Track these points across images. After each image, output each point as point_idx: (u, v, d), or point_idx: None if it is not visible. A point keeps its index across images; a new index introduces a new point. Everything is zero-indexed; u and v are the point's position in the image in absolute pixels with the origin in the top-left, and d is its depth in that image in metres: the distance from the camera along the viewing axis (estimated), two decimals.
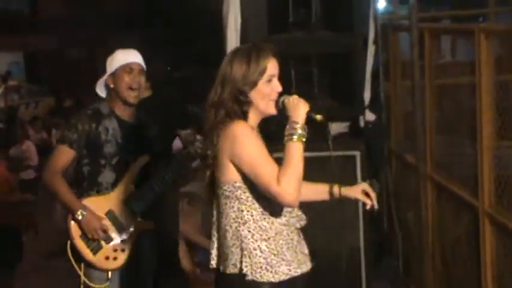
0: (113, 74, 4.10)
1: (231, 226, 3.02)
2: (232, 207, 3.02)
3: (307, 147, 5.16)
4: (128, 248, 4.08)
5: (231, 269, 3.01)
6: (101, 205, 4.03)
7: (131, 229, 4.08)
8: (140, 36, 15.32)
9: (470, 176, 4.62)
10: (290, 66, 5.21)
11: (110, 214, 4.05)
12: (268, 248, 2.99)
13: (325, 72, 5.26)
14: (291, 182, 2.89)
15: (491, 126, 4.38)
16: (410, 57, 5.46)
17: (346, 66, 5.20)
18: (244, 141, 2.96)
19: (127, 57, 4.13)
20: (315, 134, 5.35)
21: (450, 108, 5.27)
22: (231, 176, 3.00)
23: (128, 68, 4.10)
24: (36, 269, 7.51)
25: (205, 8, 7.98)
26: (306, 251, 3.15)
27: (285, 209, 3.06)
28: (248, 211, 3.01)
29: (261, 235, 3.00)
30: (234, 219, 3.02)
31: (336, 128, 5.43)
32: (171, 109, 5.67)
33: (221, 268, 3.08)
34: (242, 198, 3.01)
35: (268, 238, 3.00)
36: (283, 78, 5.25)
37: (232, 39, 5.41)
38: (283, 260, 3.01)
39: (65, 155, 4.04)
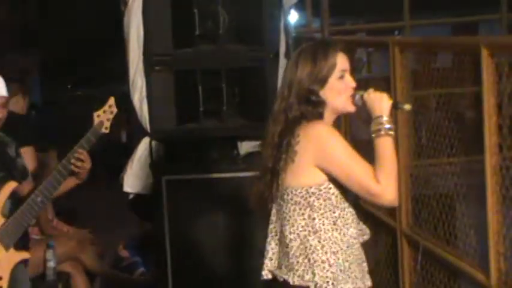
0: None
1: (298, 235, 2.96)
2: (303, 214, 2.96)
3: (216, 168, 5.24)
4: (5, 284, 3.94)
5: (297, 281, 2.95)
6: None
7: (5, 263, 3.94)
8: (39, 54, 15.03)
9: None
10: (197, 81, 5.17)
11: None
12: (336, 262, 2.94)
13: (234, 87, 5.24)
14: (390, 180, 2.87)
15: (407, 143, 4.44)
16: None
17: (257, 81, 5.20)
18: (332, 142, 2.92)
19: (1, 88, 3.98)
20: (223, 154, 5.38)
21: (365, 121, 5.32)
22: (306, 180, 2.95)
23: (1, 101, 3.97)
24: None
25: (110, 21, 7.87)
26: (367, 268, 3.10)
27: (353, 221, 3.01)
28: (320, 220, 2.95)
29: (331, 247, 2.94)
30: (303, 227, 2.96)
31: (246, 147, 5.43)
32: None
33: (281, 278, 3.00)
34: (315, 206, 2.95)
35: (337, 251, 2.95)
36: (189, 94, 5.28)
37: (135, 53, 5.35)
38: (349, 276, 2.96)
39: None
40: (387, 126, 2.94)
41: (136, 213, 6.44)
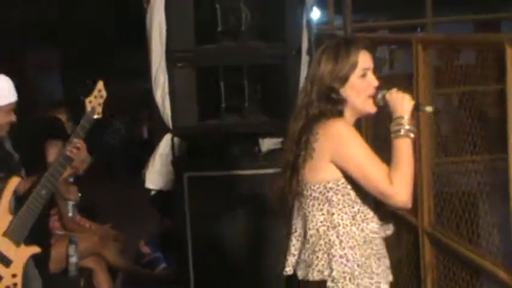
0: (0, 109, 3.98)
1: (317, 230, 2.97)
2: (321, 209, 2.97)
3: (237, 165, 5.24)
4: (19, 280, 3.97)
5: (316, 276, 2.95)
6: None
7: (18, 260, 3.97)
8: (57, 50, 15.11)
9: None
10: (219, 77, 5.17)
11: None
12: (353, 257, 2.94)
13: (256, 84, 5.24)
14: (403, 182, 2.86)
15: (429, 141, 4.42)
16: None
17: (279, 78, 5.19)
18: (349, 140, 2.91)
19: (13, 93, 4.03)
20: (244, 151, 5.37)
21: (386, 121, 5.29)
22: (324, 176, 2.95)
23: (11, 107, 4.02)
24: None
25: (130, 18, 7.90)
26: (388, 263, 3.09)
27: (375, 216, 3.00)
28: (339, 215, 2.96)
29: (348, 242, 2.94)
30: (322, 222, 2.97)
31: (268, 143, 5.42)
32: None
33: (300, 274, 3.01)
34: (333, 201, 2.96)
35: (355, 246, 2.95)
36: (211, 90, 5.28)
37: (157, 51, 5.35)
38: (365, 271, 2.95)
39: None
40: (407, 127, 2.92)
41: (158, 209, 6.46)
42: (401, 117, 2.93)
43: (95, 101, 4.08)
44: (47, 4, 14.35)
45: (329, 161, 2.94)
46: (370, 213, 3.00)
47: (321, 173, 2.97)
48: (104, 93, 4.11)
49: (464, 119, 4.16)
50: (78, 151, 4.00)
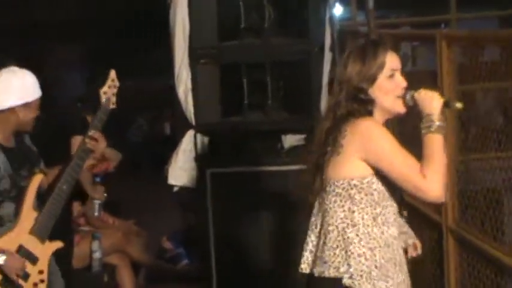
0: (27, 105, 3.96)
1: (337, 226, 2.97)
2: (343, 206, 2.97)
3: (260, 161, 5.23)
4: (45, 276, 3.99)
5: (332, 273, 2.95)
6: (10, 243, 3.89)
7: (43, 256, 3.99)
8: (82, 47, 15.18)
9: None
10: (242, 74, 5.17)
11: (22, 250, 3.92)
12: (372, 258, 2.93)
13: (279, 80, 5.23)
14: (436, 176, 2.86)
15: (453, 138, 4.39)
16: None
17: (302, 74, 5.18)
18: (380, 137, 2.92)
19: (38, 89, 4.01)
20: (267, 148, 5.37)
21: (411, 119, 5.26)
22: (349, 172, 2.95)
23: (38, 102, 4.01)
24: None
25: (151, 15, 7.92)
26: (406, 274, 3.07)
27: (396, 222, 3.01)
28: (359, 213, 2.95)
29: (368, 242, 2.94)
30: (342, 219, 2.96)
31: (290, 140, 5.42)
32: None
33: (316, 271, 3.01)
34: (355, 199, 2.96)
35: (375, 247, 2.94)
36: (234, 87, 5.28)
37: (180, 47, 5.36)
38: (383, 274, 2.94)
39: None
40: (438, 123, 2.92)
41: (180, 205, 6.47)
42: (432, 114, 2.93)
43: (109, 91, 4.05)
44: (70, 3, 14.43)
45: (358, 158, 2.94)
46: (392, 218, 3.00)
47: (346, 169, 2.96)
48: (117, 82, 4.07)
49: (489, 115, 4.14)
50: (96, 142, 3.99)
